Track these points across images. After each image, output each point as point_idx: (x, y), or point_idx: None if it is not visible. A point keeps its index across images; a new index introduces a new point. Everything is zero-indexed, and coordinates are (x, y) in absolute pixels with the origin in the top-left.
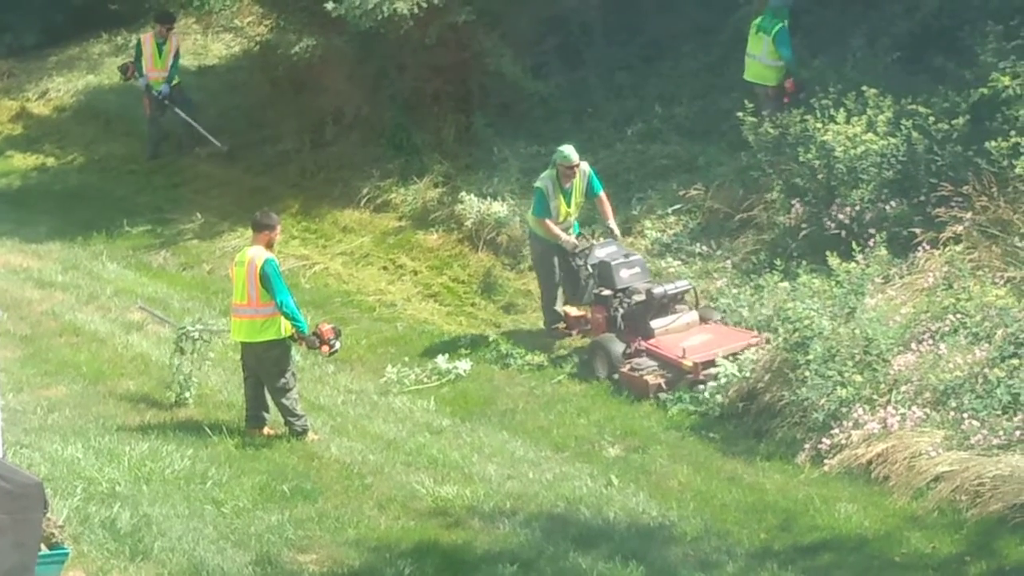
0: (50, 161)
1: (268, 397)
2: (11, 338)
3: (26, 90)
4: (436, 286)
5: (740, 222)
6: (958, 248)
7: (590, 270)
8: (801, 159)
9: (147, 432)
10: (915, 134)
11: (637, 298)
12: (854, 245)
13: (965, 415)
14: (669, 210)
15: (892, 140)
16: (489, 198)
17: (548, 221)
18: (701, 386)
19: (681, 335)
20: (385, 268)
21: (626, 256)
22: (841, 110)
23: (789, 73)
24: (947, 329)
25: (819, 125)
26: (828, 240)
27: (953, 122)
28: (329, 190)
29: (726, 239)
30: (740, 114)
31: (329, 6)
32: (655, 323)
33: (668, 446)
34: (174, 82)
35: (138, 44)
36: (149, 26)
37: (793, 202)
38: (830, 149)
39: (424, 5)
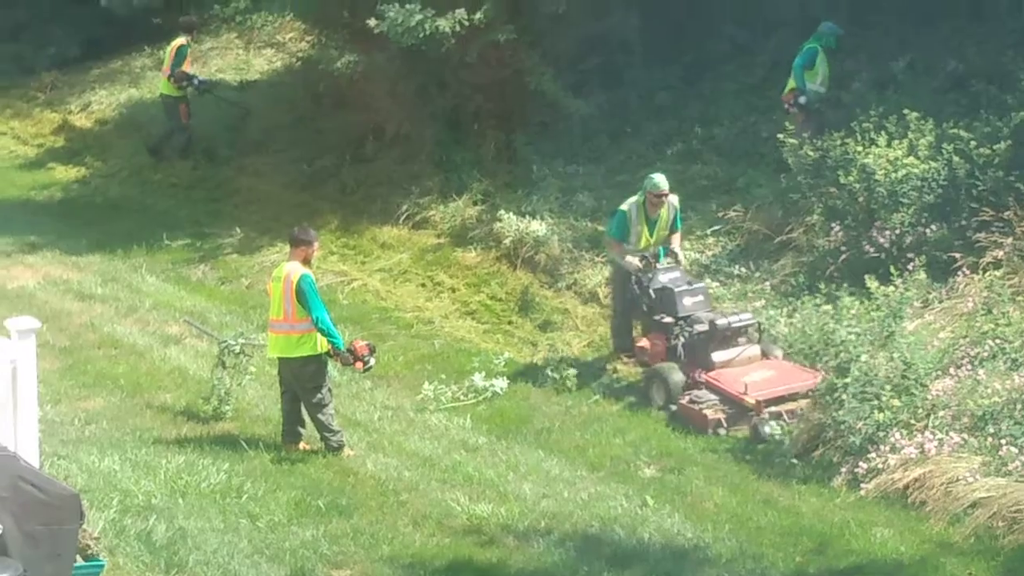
0: (91, 174)
1: (304, 412)
2: (50, 350)
3: (68, 103)
4: (474, 304)
5: (779, 244)
6: (998, 273)
7: (652, 296)
8: (842, 182)
9: (183, 445)
10: (956, 158)
11: (699, 328)
12: (893, 269)
13: (1003, 441)
14: (708, 231)
15: (933, 164)
16: (528, 216)
17: (615, 241)
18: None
19: (742, 369)
20: (423, 285)
21: (689, 283)
22: (882, 133)
23: (798, 84)
24: (986, 354)
25: (860, 148)
26: (867, 263)
27: (995, 147)
28: (368, 206)
29: (765, 261)
30: (780, 136)
31: (371, 23)
32: (716, 355)
33: (704, 467)
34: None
35: (185, 50)
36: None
37: (833, 225)
38: (871, 172)
39: (466, 23)
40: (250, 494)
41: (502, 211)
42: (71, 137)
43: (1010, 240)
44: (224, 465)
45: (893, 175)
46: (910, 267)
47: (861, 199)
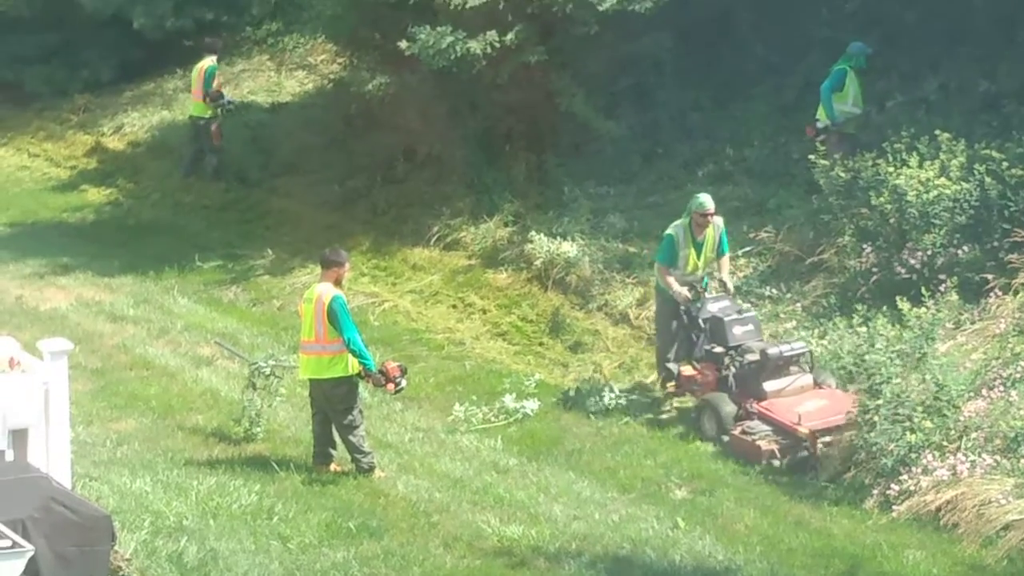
0: (124, 195)
1: (335, 434)
2: (82, 371)
3: (101, 125)
4: (505, 325)
5: (810, 266)
6: None
7: (702, 325)
8: (873, 203)
9: (215, 467)
10: (988, 179)
11: (750, 357)
12: (924, 290)
13: None
14: (739, 252)
15: (965, 185)
16: (559, 238)
17: (668, 270)
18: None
19: (795, 399)
20: (454, 306)
21: (739, 312)
22: (914, 154)
23: (826, 109)
24: (1018, 376)
25: (891, 169)
26: (899, 285)
27: None
28: (400, 228)
29: (796, 282)
30: (811, 157)
31: (403, 45)
32: (768, 385)
33: (735, 489)
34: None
35: (215, 71)
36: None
37: (864, 246)
38: (902, 193)
39: (497, 45)
40: (281, 515)
41: (533, 232)
42: (104, 159)
43: None
44: (255, 486)
45: (925, 196)
46: (942, 288)
47: (893, 220)
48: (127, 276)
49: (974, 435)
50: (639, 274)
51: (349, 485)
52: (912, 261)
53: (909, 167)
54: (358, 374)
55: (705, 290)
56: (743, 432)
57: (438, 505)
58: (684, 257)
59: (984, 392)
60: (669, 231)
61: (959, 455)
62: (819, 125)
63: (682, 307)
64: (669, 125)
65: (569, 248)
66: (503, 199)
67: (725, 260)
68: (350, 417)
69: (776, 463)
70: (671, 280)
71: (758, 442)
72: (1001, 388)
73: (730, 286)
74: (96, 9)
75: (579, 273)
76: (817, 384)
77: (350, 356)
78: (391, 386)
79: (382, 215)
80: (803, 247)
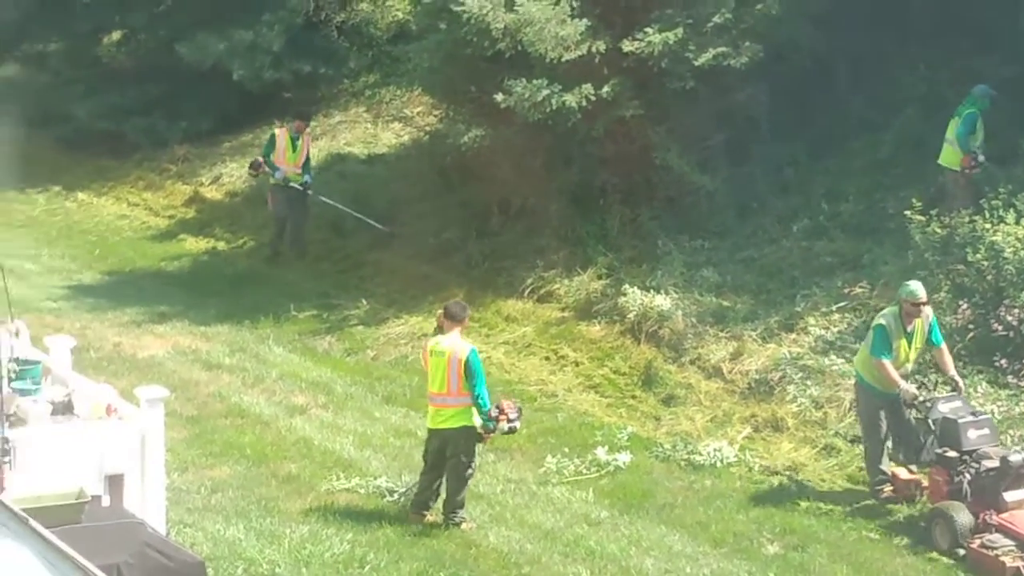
0: (221, 245)
1: (443, 485)
2: (178, 418)
3: (200, 175)
4: (597, 377)
5: None
6: None
7: (932, 426)
8: (969, 259)
9: (308, 515)
10: None
11: (988, 464)
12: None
13: None
14: (833, 307)
15: None
16: (652, 291)
17: (887, 362)
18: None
19: None
20: (547, 358)
21: (974, 414)
22: (1011, 211)
23: (964, 152)
24: None
25: (988, 226)
26: (996, 342)
27: None
28: (493, 279)
29: None
30: (907, 213)
31: (499, 97)
32: (1008, 495)
33: (828, 545)
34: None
35: (272, 138)
36: (285, 121)
37: (960, 303)
38: (999, 250)
39: (592, 98)
40: (373, 565)
41: (627, 285)
42: (201, 209)
43: None
44: (347, 535)
45: (1022, 253)
46: None
47: (989, 277)
48: (223, 325)
49: None
50: (732, 328)
51: (441, 536)
52: (1009, 318)
53: (1006, 224)
54: (478, 432)
55: (935, 388)
56: (982, 546)
57: (529, 557)
58: (896, 348)
59: None
60: (879, 321)
61: None
62: (981, 159)
63: (907, 405)
64: (764, 179)
65: (662, 301)
66: (597, 252)
67: (945, 354)
68: (469, 471)
69: None
70: (895, 375)
71: (1002, 558)
72: None
73: (961, 385)
74: (196, 61)
75: (672, 327)
76: None
77: (474, 410)
78: (503, 419)
79: (476, 267)
80: None
